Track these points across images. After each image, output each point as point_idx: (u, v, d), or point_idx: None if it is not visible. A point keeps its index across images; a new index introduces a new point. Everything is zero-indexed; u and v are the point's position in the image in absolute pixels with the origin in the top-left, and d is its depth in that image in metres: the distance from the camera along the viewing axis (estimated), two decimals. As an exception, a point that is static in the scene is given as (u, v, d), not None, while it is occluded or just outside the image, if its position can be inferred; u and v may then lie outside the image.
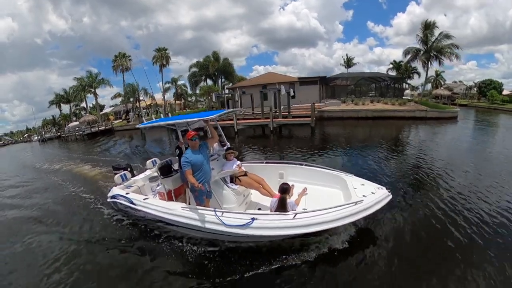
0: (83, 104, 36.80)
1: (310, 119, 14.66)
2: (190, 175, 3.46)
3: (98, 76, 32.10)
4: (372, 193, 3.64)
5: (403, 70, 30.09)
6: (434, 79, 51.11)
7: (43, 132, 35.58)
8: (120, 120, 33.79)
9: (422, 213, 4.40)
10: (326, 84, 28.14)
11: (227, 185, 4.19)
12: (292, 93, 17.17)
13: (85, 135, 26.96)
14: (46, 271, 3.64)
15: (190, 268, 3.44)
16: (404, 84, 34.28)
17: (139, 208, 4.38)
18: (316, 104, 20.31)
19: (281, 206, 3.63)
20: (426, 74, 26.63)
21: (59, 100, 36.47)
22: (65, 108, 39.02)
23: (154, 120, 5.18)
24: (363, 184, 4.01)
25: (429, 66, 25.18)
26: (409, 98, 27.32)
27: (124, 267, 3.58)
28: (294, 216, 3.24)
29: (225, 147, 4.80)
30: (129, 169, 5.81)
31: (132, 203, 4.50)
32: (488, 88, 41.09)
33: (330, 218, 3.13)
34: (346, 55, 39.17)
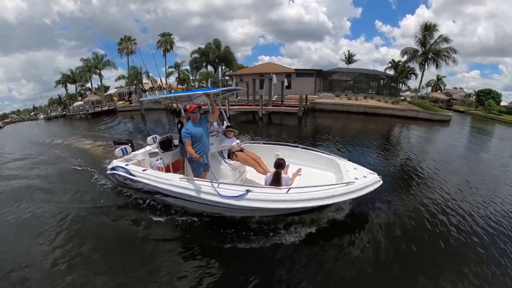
0: (89, 85, 37.91)
1: (297, 108, 15.51)
2: (189, 146, 3.58)
3: (104, 58, 33.11)
4: (364, 176, 3.74)
5: (400, 70, 30.41)
6: (435, 83, 51.78)
7: (49, 111, 36.80)
8: (124, 102, 34.86)
9: (401, 205, 4.53)
10: (325, 78, 28.70)
11: (224, 160, 4.33)
12: (286, 83, 17.93)
13: (89, 114, 28.09)
14: (43, 234, 3.84)
15: (182, 240, 3.52)
16: (401, 84, 34.56)
17: (137, 178, 4.45)
18: (310, 95, 21.07)
19: (276, 180, 3.72)
20: (422, 76, 27.09)
21: (65, 80, 37.52)
22: (71, 88, 40.20)
23: (157, 94, 5.34)
24: (355, 168, 4.12)
25: (426, 68, 25.70)
26: (408, 99, 27.73)
27: (118, 236, 3.68)
28: (288, 190, 3.33)
29: (225, 125, 4.96)
30: (129, 144, 5.84)
31: (131, 174, 4.58)
32: (486, 97, 40.68)
33: (322, 195, 3.23)
34: (348, 51, 39.48)
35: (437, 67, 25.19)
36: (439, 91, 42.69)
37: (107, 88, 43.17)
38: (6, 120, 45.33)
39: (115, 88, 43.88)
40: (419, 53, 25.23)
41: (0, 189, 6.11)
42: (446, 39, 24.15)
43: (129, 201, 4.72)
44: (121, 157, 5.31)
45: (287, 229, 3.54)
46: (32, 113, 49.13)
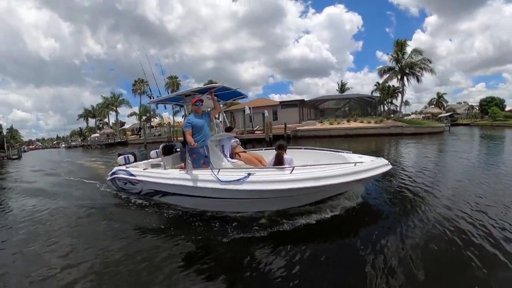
0: (106, 120, 42.77)
1: (265, 135, 17.51)
2: (189, 135, 3.67)
3: (120, 97, 38.21)
4: (372, 160, 3.60)
5: (385, 90, 31.57)
6: (436, 100, 52.56)
7: (69, 141, 41.58)
8: (135, 136, 38.89)
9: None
10: (316, 108, 31.09)
11: (226, 159, 4.32)
12: (266, 114, 20.44)
13: (103, 145, 31.98)
14: (41, 231, 3.77)
15: (180, 242, 3.12)
16: (389, 104, 35.39)
17: (137, 178, 4.44)
18: (295, 124, 23.34)
19: (278, 162, 3.52)
20: (402, 91, 27.15)
21: (87, 114, 42.81)
22: (92, 122, 45.42)
23: (162, 97, 5.29)
24: (361, 157, 4.02)
25: (407, 83, 25.89)
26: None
27: (114, 239, 3.34)
28: (292, 170, 3.12)
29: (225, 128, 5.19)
30: (133, 155, 5.82)
31: (131, 174, 4.58)
32: (489, 106, 40.72)
33: (329, 174, 3.05)
34: (341, 81, 42.24)
35: (418, 81, 25.42)
36: (432, 106, 42.72)
37: (123, 124, 48.11)
38: (31, 146, 51.49)
39: (133, 124, 48.92)
40: (395, 70, 25.64)
41: (16, 189, 7.17)
42: (419, 51, 24.65)
43: (127, 205, 4.64)
44: (123, 164, 5.32)
45: (290, 226, 3.14)
46: (55, 142, 55.17)
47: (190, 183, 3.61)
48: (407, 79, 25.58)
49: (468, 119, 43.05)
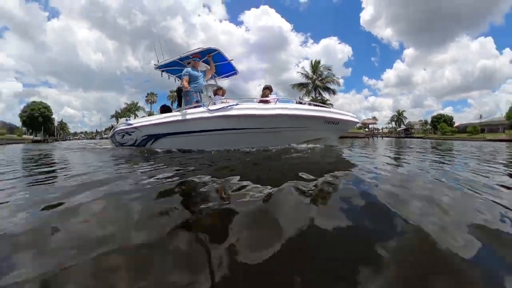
0: (128, 121, 58.69)
1: None
2: (186, 81, 4.39)
3: (137, 104, 53.55)
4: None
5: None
6: (397, 117, 61.36)
7: (103, 134, 58.53)
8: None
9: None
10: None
11: None
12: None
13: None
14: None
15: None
16: None
17: (134, 125, 5.06)
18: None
19: (263, 98, 4.01)
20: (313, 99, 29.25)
21: (116, 115, 59.16)
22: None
23: (168, 59, 5.46)
24: None
25: (328, 96, 29.83)
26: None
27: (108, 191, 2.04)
28: (276, 101, 3.78)
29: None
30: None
31: (129, 124, 5.26)
32: (439, 122, 47.39)
33: (309, 108, 3.79)
34: (299, 97, 50.40)
35: (334, 93, 29.71)
36: (371, 118, 49.63)
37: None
38: (76, 137, 72.54)
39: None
40: (307, 85, 29.56)
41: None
42: (327, 67, 29.07)
43: (125, 160, 3.78)
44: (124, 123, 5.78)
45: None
46: (94, 135, 75.98)
47: (181, 117, 4.25)
48: (329, 92, 29.58)
49: (421, 134, 48.89)
